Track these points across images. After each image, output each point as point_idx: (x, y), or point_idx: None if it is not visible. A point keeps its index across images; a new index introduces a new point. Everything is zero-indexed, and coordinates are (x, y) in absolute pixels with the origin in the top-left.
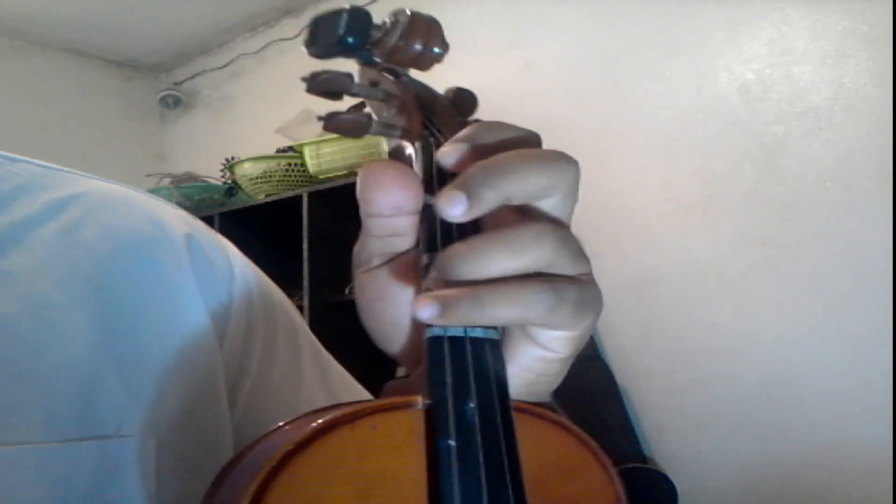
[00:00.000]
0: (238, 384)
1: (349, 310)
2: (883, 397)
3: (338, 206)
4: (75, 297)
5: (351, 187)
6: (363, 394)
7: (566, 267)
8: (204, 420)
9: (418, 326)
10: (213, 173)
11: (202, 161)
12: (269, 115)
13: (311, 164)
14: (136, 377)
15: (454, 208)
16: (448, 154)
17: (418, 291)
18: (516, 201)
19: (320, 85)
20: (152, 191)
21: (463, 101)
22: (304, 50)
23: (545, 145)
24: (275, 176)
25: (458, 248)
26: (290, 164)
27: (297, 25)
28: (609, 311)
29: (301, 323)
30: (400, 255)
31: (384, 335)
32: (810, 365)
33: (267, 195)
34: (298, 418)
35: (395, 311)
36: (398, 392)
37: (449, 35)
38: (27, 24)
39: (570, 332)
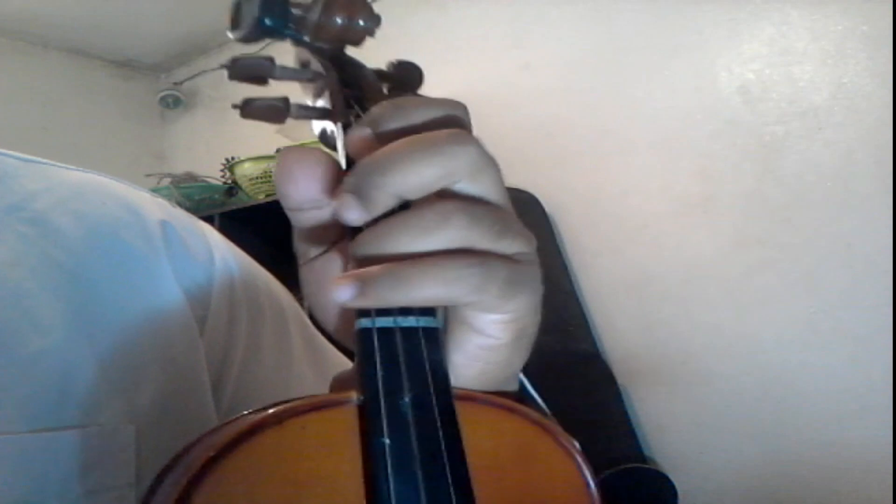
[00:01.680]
0: (225, 368)
1: None
2: (883, 397)
3: None
4: (50, 285)
5: None
6: None
7: (491, 244)
8: (184, 406)
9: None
10: (213, 173)
11: (202, 161)
12: None
13: None
14: (113, 364)
15: (348, 214)
16: (351, 143)
17: None
18: (413, 196)
19: (241, 70)
20: (152, 191)
21: (404, 75)
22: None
23: (545, 145)
24: None
25: (365, 235)
26: None
27: None
28: (609, 311)
29: (291, 306)
30: (334, 243)
31: (331, 327)
32: (810, 365)
33: (267, 195)
34: (233, 420)
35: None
36: (339, 387)
37: (449, 35)
38: (27, 24)
39: (501, 313)
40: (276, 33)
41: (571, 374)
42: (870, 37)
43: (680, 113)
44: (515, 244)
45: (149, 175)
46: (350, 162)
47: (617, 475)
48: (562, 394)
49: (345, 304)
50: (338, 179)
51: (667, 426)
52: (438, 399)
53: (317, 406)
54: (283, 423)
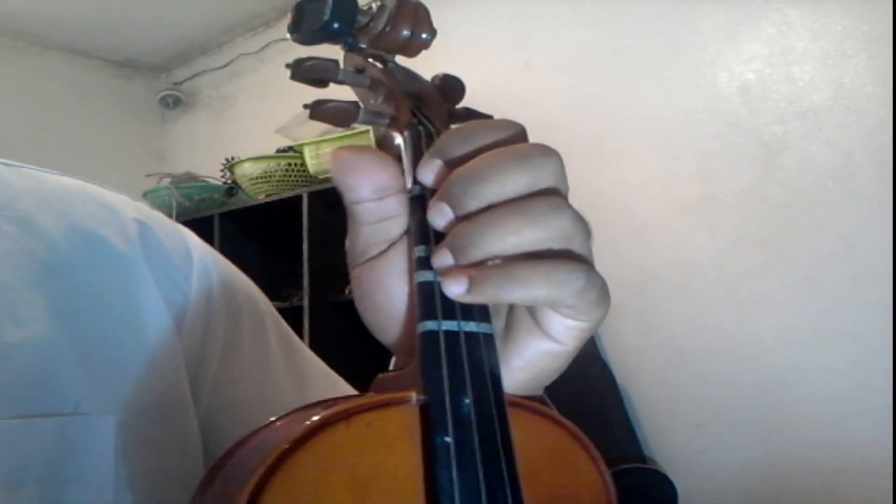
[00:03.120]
0: (202, 369)
1: (349, 310)
2: (883, 397)
3: (338, 206)
4: (31, 280)
5: None
6: (336, 381)
7: (581, 245)
8: (164, 399)
9: (413, 318)
10: (213, 173)
11: (202, 161)
12: (269, 115)
13: (311, 164)
14: (94, 356)
15: (440, 219)
16: (423, 174)
17: (411, 287)
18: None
19: (305, 72)
20: (152, 191)
21: (450, 88)
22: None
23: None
24: (275, 176)
25: (471, 222)
26: (290, 164)
27: None
28: (609, 311)
29: (268, 310)
30: (394, 242)
31: (381, 327)
32: (810, 365)
33: (267, 195)
34: (291, 414)
35: (393, 301)
36: (391, 386)
37: (449, 35)
38: (27, 24)
39: (586, 321)
40: (339, 38)
41: (571, 374)
42: (870, 37)
43: (680, 113)
44: (591, 249)
45: (149, 175)
46: (416, 166)
47: (617, 475)
48: (562, 394)
49: (456, 298)
50: (400, 171)
51: (667, 426)
52: (496, 402)
53: (381, 404)
54: (351, 420)
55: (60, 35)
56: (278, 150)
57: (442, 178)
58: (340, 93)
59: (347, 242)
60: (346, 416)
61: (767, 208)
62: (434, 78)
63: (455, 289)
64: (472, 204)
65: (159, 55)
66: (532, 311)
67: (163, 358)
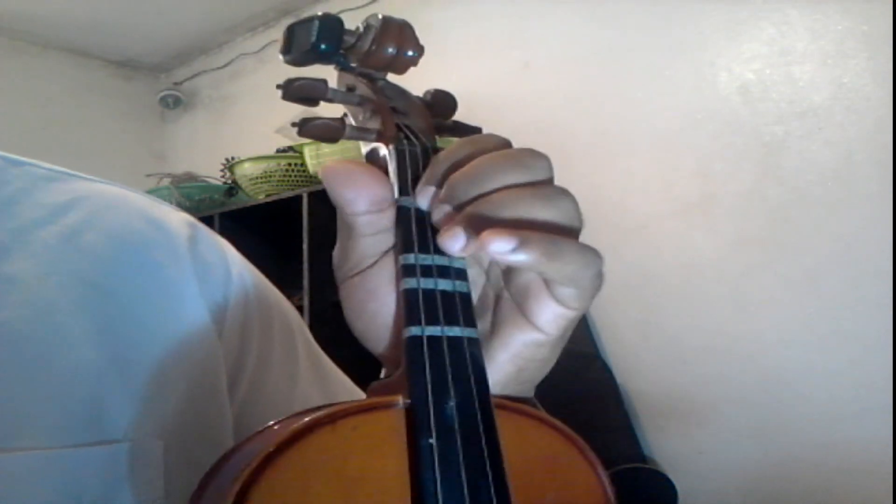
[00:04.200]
0: (235, 384)
1: None
2: (883, 397)
3: None
4: (79, 301)
5: None
6: (360, 394)
7: (580, 228)
8: (207, 421)
9: (400, 326)
10: (213, 173)
11: (202, 161)
12: (269, 115)
13: (311, 164)
14: (141, 381)
15: (445, 218)
16: (420, 199)
17: (398, 294)
18: None
19: (295, 91)
20: (152, 191)
21: (440, 103)
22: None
23: (545, 146)
24: (275, 176)
25: (490, 197)
26: (290, 164)
27: None
28: (609, 311)
29: (298, 324)
30: (385, 253)
31: (373, 336)
32: (810, 365)
33: (267, 195)
34: (281, 420)
35: (384, 310)
36: (381, 392)
37: (449, 35)
38: (27, 24)
39: (578, 308)
40: (327, 59)
41: (571, 374)
42: (870, 37)
43: (680, 113)
44: None
45: (149, 175)
46: (404, 182)
47: (617, 475)
48: (562, 394)
49: (499, 256)
50: (391, 186)
51: (667, 426)
52: (481, 405)
53: (366, 408)
54: (336, 423)
55: (60, 35)
56: (278, 150)
57: (437, 201)
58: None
59: (337, 255)
60: (331, 419)
61: (767, 208)
62: (425, 93)
63: (503, 246)
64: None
65: (159, 55)
66: (521, 301)
67: (207, 378)
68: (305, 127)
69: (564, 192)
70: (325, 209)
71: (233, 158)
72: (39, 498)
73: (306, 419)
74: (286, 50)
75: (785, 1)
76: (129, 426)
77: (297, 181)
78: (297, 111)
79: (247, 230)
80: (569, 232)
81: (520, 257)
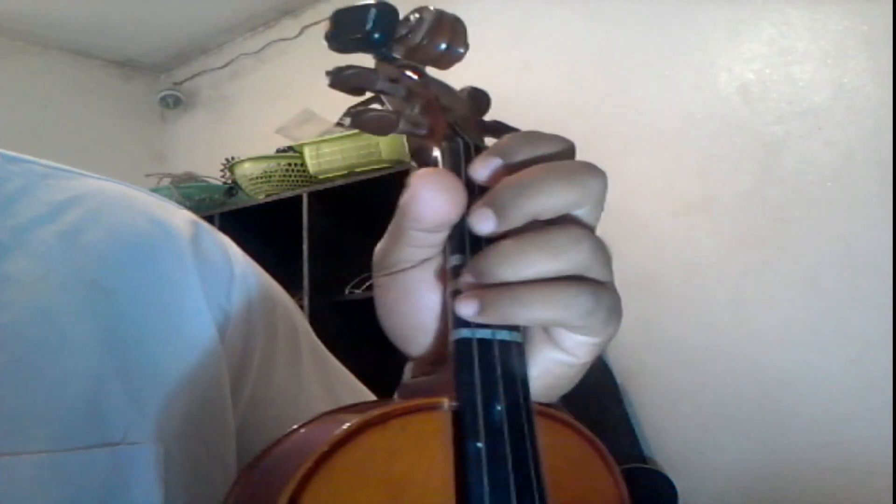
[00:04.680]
0: (239, 384)
1: (349, 310)
2: (883, 398)
3: (338, 206)
4: (80, 302)
5: (351, 187)
6: (365, 393)
7: (600, 272)
8: (209, 425)
9: (442, 329)
10: (213, 173)
11: (202, 161)
12: (269, 115)
13: (311, 164)
14: (142, 383)
15: (484, 225)
16: (480, 169)
17: (444, 293)
18: (545, 217)
19: (345, 80)
20: (152, 191)
21: (478, 101)
22: (324, 45)
23: None
24: (275, 176)
25: (495, 250)
26: (290, 164)
27: (297, 25)
28: None
29: (302, 322)
30: (428, 259)
31: (405, 336)
32: (810, 365)
33: (267, 195)
34: (324, 416)
35: (420, 312)
36: (419, 391)
37: None
38: (27, 24)
39: (597, 337)
40: (376, 48)
41: None
42: (870, 37)
43: (680, 113)
44: (612, 274)
45: (149, 175)
46: (466, 182)
47: None
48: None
49: (468, 318)
50: (465, 204)
51: (667, 426)
52: (526, 409)
53: (415, 409)
54: (387, 424)
55: (60, 35)
56: (278, 150)
57: (495, 178)
58: (337, 95)
59: (379, 250)
60: (382, 419)
61: (767, 208)
62: (462, 90)
63: (466, 310)
64: (516, 214)
65: (159, 55)
66: (544, 326)
67: (210, 383)
68: (359, 118)
69: (577, 241)
70: (325, 209)
71: (233, 158)
72: (38, 501)
73: (359, 419)
74: (334, 35)
75: (785, 1)
76: (129, 429)
77: (297, 181)
78: (297, 111)
79: (247, 230)
80: (569, 277)
81: (484, 320)
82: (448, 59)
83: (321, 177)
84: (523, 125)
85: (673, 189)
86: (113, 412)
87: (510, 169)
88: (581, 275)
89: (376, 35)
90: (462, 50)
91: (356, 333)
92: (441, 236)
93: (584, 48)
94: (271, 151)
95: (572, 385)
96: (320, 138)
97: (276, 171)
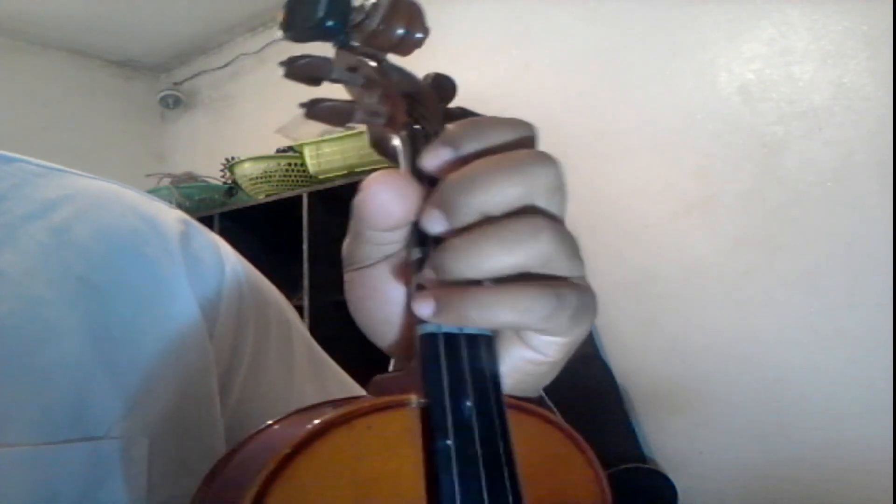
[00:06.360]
0: (229, 380)
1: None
2: (883, 397)
3: (338, 207)
4: (68, 297)
5: (351, 187)
6: (357, 390)
7: (562, 266)
8: (195, 420)
9: (409, 322)
10: (213, 173)
11: (202, 161)
12: (269, 115)
13: (311, 164)
14: (128, 378)
15: (435, 225)
16: (429, 160)
17: (408, 289)
18: (497, 212)
19: (299, 70)
20: (152, 191)
21: (442, 88)
22: (280, 35)
23: (545, 146)
24: (275, 176)
25: (450, 244)
26: (290, 164)
27: None
28: (609, 311)
29: (295, 320)
30: (389, 256)
31: (375, 331)
32: (810, 365)
33: (267, 195)
34: (289, 417)
35: (386, 307)
36: (389, 388)
37: (449, 35)
38: (27, 24)
39: (564, 338)
40: (331, 36)
41: (571, 374)
42: (870, 37)
43: (680, 113)
44: (581, 266)
45: (149, 175)
46: (417, 172)
47: (617, 475)
48: (562, 394)
49: (424, 318)
50: (420, 202)
51: (667, 426)
52: (497, 405)
53: (381, 407)
54: (352, 423)
55: (60, 35)
56: (278, 150)
57: (447, 169)
58: (331, 91)
59: (345, 247)
60: (346, 419)
61: (767, 208)
62: (426, 77)
63: (422, 310)
64: (464, 212)
65: (159, 55)
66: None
67: (197, 376)
68: (314, 109)
69: (535, 231)
70: (325, 209)
71: (233, 158)
72: (18, 494)
73: (323, 418)
74: (287, 26)
75: (785, 1)
76: (113, 423)
77: (297, 181)
78: (297, 111)
79: (247, 230)
80: (531, 276)
81: (440, 321)
82: (407, 45)
83: (321, 177)
84: (534, 125)
85: (673, 189)
86: (98, 406)
87: (462, 160)
88: (544, 271)
89: (330, 23)
90: (421, 35)
91: (356, 333)
92: (400, 233)
93: (584, 48)
94: (271, 151)
95: (547, 381)
96: (320, 138)
97: (276, 171)
